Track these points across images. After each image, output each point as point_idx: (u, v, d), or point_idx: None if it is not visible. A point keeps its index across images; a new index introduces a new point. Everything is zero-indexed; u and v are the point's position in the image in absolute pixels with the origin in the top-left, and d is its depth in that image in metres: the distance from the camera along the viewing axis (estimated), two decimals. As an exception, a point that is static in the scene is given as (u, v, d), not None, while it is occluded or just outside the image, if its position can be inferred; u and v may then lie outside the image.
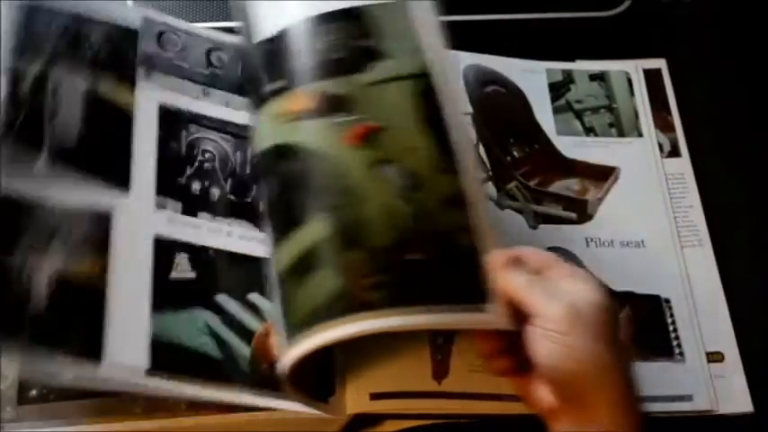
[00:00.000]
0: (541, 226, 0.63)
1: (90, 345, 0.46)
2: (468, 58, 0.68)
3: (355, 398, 0.53)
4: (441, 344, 0.56)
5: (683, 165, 0.67)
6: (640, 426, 0.42)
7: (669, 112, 0.69)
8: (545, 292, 0.43)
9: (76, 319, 0.46)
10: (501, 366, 0.46)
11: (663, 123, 0.68)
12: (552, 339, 0.41)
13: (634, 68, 0.70)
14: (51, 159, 0.49)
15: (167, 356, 0.48)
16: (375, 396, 0.54)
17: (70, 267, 0.47)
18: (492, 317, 0.44)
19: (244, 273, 0.53)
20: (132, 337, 0.48)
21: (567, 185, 0.65)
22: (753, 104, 0.70)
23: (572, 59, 0.70)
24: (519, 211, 0.63)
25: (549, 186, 0.65)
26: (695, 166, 0.66)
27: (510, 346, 0.45)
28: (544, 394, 0.44)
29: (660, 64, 0.71)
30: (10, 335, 0.44)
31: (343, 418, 0.53)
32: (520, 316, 0.43)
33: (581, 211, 0.64)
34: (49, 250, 0.47)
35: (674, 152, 0.67)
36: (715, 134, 0.68)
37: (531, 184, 0.64)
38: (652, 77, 0.70)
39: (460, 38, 0.69)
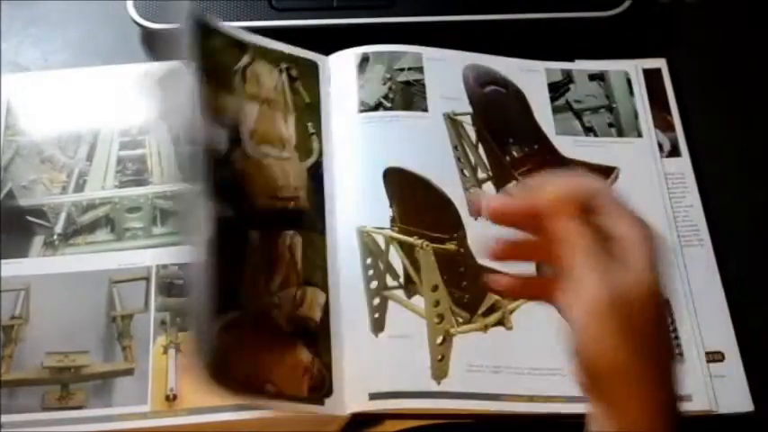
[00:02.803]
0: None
1: None
2: (467, 58, 0.68)
3: (355, 398, 0.53)
4: (440, 344, 0.56)
5: (682, 164, 0.66)
6: (673, 428, 0.37)
7: (669, 112, 0.69)
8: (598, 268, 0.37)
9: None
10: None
11: (663, 123, 0.68)
12: (577, 329, 0.37)
13: (634, 68, 0.70)
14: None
15: None
16: (374, 396, 0.53)
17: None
18: None
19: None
20: None
21: (566, 185, 0.65)
22: (753, 104, 0.70)
23: (571, 59, 0.70)
24: (519, 210, 0.63)
25: (549, 186, 0.64)
26: (695, 165, 0.66)
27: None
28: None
29: (660, 64, 0.71)
30: None
31: (343, 418, 0.53)
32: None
33: (581, 211, 0.63)
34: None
35: (674, 152, 0.67)
36: (715, 134, 0.68)
37: (531, 183, 0.64)
38: (652, 77, 0.70)
39: (460, 38, 0.69)
